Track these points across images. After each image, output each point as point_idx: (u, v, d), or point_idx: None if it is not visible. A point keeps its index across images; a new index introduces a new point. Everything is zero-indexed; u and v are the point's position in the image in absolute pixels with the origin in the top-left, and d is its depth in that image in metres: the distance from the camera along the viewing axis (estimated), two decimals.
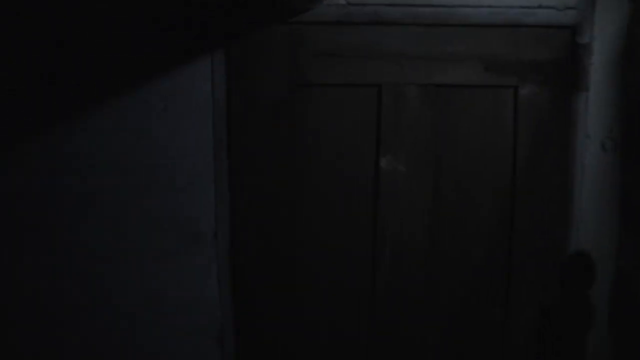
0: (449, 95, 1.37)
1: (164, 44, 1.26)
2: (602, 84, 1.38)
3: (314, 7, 1.28)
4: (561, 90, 1.38)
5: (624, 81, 1.37)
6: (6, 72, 1.24)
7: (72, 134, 1.27)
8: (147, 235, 1.31)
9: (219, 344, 1.36)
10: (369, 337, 1.43)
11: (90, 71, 1.26)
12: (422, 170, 1.37)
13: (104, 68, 1.26)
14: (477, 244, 1.44)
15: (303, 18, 1.29)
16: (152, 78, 1.26)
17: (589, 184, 1.41)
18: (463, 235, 1.43)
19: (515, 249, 1.43)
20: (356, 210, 1.39)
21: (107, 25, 1.24)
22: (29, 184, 1.28)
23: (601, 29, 1.36)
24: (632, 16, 1.34)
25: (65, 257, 1.31)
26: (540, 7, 1.35)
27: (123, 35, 1.25)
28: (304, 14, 1.29)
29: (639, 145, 1.36)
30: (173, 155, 1.29)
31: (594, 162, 1.40)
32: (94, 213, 1.30)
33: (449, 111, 1.38)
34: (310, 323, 1.42)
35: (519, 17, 1.35)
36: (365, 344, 1.43)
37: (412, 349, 1.43)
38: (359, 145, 1.37)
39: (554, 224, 1.42)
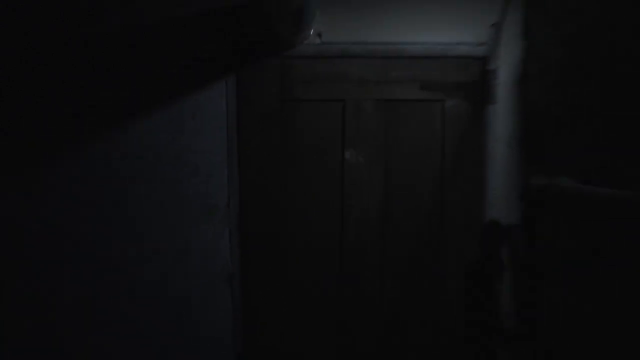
0: (394, 107, 1.91)
1: (194, 69, 1.80)
2: (506, 99, 1.91)
3: (298, 45, 1.83)
4: (476, 103, 1.91)
5: (521, 96, 1.90)
6: (82, 83, 1.78)
7: (125, 133, 1.81)
8: (179, 207, 1.85)
9: (230, 284, 1.89)
10: (339, 280, 1.95)
11: (139, 87, 1.80)
12: (376, 160, 1.91)
13: (151, 85, 1.80)
14: (419, 216, 1.96)
15: (290, 53, 1.83)
16: (185, 94, 1.80)
17: (498, 171, 1.93)
18: (407, 209, 1.96)
19: (446, 220, 1.96)
20: (329, 189, 1.92)
21: (154, 53, 1.79)
22: (91, 171, 1.81)
23: (504, 59, 1.89)
24: (524, 50, 1.87)
25: (117, 223, 1.85)
26: (460, 43, 1.88)
27: (165, 63, 1.80)
28: (291, 51, 1.83)
29: (533, 143, 1.89)
30: (199, 149, 1.83)
31: (501, 155, 1.93)
32: (140, 192, 1.84)
33: (395, 118, 1.92)
34: (296, 268, 1.95)
35: (445, 51, 1.89)
36: (337, 284, 1.96)
37: (372, 289, 1.96)
38: (331, 142, 1.91)
39: (474, 202, 1.95)
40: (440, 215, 1.96)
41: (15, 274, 1.72)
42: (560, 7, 1.64)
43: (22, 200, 1.76)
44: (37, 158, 1.72)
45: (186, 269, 1.88)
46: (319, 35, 1.84)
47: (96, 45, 1.75)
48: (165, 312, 1.88)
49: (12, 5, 1.40)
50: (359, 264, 1.94)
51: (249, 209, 1.89)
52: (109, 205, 1.83)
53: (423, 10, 1.85)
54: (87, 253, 1.84)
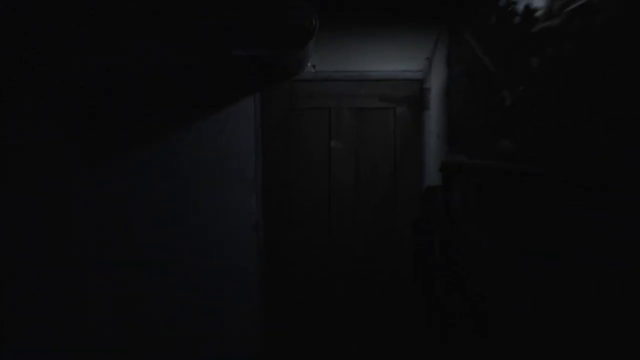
0: (363, 112, 2.90)
1: (232, 89, 2.76)
2: (436, 107, 2.91)
3: (300, 73, 2.80)
4: (417, 109, 2.92)
5: (445, 106, 2.90)
6: (169, 95, 2.74)
7: (189, 131, 2.77)
8: (222, 179, 2.82)
9: (256, 231, 2.87)
10: (329, 228, 2.95)
11: (199, 99, 2.76)
12: (351, 147, 2.90)
13: (205, 98, 2.76)
14: (380, 184, 2.96)
15: (295, 78, 2.81)
16: (226, 106, 2.76)
17: (431, 154, 2.94)
18: (372, 180, 2.96)
19: (397, 188, 2.96)
20: (320, 168, 2.91)
21: (205, 77, 2.75)
22: (165, 155, 2.77)
23: (434, 81, 2.89)
24: (447, 76, 2.88)
25: (178, 190, 2.81)
26: (405, 70, 2.88)
27: (214, 83, 2.76)
28: (295, 77, 2.81)
29: (450, 135, 2.89)
30: (235, 141, 2.80)
31: (433, 144, 2.93)
32: (196, 168, 2.80)
33: (363, 120, 2.91)
34: (298, 220, 2.94)
35: (396, 75, 2.88)
36: (328, 231, 2.95)
37: (351, 235, 2.95)
38: (321, 136, 2.89)
39: (416, 175, 2.96)
40: (393, 185, 2.96)
41: (125, 221, 2.71)
42: (465, 51, 2.66)
43: (128, 178, 2.76)
44: (138, 145, 2.73)
45: (225, 219, 2.85)
46: (314, 66, 2.82)
47: (177, 71, 2.71)
48: (211, 248, 2.86)
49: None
50: (340, 218, 2.94)
51: (268, 181, 2.87)
52: (175, 176, 2.80)
53: (382, 50, 2.85)
54: (161, 209, 2.81)
